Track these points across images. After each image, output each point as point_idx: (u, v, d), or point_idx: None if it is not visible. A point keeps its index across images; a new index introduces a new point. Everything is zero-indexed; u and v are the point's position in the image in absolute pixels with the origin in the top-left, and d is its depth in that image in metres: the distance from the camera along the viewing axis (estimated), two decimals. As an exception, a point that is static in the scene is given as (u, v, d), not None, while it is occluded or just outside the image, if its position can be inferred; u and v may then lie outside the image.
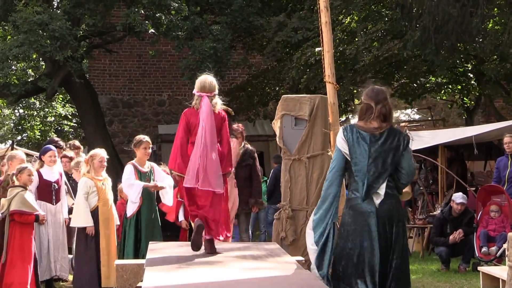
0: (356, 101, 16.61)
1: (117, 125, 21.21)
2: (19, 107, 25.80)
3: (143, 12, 15.54)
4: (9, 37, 17.95)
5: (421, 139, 11.23)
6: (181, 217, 8.49)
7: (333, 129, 6.79)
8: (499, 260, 9.28)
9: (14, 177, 7.78)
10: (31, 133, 25.94)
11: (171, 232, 8.54)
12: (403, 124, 16.94)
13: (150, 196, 8.02)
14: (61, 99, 25.92)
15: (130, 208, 7.95)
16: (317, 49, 12.94)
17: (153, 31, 15.37)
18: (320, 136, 7.11)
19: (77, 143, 10.42)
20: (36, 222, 7.85)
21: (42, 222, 7.95)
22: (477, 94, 16.63)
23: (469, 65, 15.66)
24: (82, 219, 7.84)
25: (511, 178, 10.08)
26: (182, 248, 6.18)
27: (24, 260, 7.63)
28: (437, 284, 8.77)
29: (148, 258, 5.62)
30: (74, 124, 26.38)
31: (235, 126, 8.52)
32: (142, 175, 7.96)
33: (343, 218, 4.92)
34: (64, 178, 8.78)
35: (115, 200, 8.87)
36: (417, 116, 23.29)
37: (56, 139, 10.12)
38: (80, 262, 7.92)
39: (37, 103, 25.09)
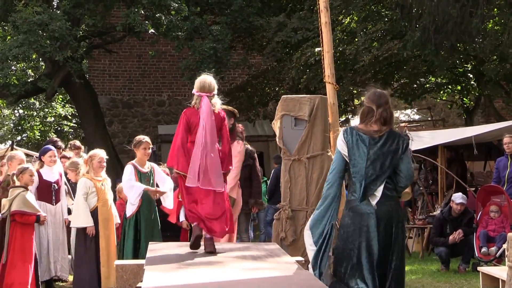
0: (356, 101, 16.64)
1: (117, 125, 21.22)
2: (18, 108, 25.80)
3: (143, 12, 15.55)
4: (9, 37, 17.95)
5: (420, 140, 11.24)
6: (182, 218, 8.50)
7: (333, 129, 6.80)
8: (499, 260, 9.28)
9: (15, 178, 7.77)
10: (31, 134, 25.94)
11: (171, 232, 8.54)
12: (403, 124, 16.94)
13: (150, 197, 8.01)
14: (61, 99, 25.93)
15: (129, 209, 7.94)
16: (317, 49, 12.96)
17: (153, 31, 15.38)
18: (320, 137, 7.11)
19: (77, 143, 10.43)
20: (36, 223, 7.85)
21: (42, 223, 7.95)
22: (476, 94, 16.64)
23: (468, 66, 15.67)
24: (82, 220, 7.83)
25: (511, 178, 10.08)
26: (182, 248, 6.17)
27: (25, 261, 7.62)
28: (436, 284, 8.77)
29: (148, 258, 5.62)
30: (74, 125, 26.38)
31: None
32: (142, 176, 7.96)
33: (342, 219, 4.94)
34: (64, 178, 8.78)
35: (114, 200, 8.87)
36: (417, 117, 23.30)
37: (55, 139, 10.13)
38: (80, 263, 7.91)
39: (37, 103, 25.08)
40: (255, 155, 8.68)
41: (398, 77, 16.12)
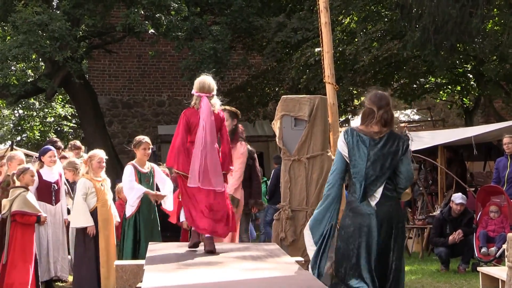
0: (356, 102, 16.64)
1: (116, 125, 21.22)
2: (18, 108, 25.79)
3: (142, 12, 15.55)
4: (8, 37, 17.95)
5: (420, 140, 11.25)
6: (182, 218, 8.49)
7: (333, 130, 6.80)
8: (499, 260, 9.28)
9: (15, 178, 7.77)
10: (31, 134, 25.94)
11: (171, 232, 8.54)
12: (402, 124, 16.94)
13: (149, 197, 8.01)
14: (60, 99, 25.93)
15: (129, 209, 7.93)
16: (316, 50, 12.96)
17: (152, 31, 15.37)
18: (320, 137, 7.11)
19: (78, 143, 10.44)
20: (37, 223, 7.85)
21: (43, 223, 7.95)
22: (476, 94, 16.63)
23: (468, 66, 15.67)
24: (82, 220, 7.82)
25: (511, 178, 10.09)
26: (181, 248, 6.18)
27: (25, 261, 7.62)
28: (436, 284, 8.77)
29: (147, 259, 5.62)
30: (74, 125, 26.38)
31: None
32: (142, 176, 7.95)
33: (343, 220, 4.95)
34: (64, 178, 8.78)
35: (114, 201, 8.87)
36: (416, 117, 23.26)
37: (55, 139, 10.13)
38: (80, 263, 7.91)
39: (37, 103, 25.08)
40: (255, 155, 8.68)
41: (398, 77, 16.12)
